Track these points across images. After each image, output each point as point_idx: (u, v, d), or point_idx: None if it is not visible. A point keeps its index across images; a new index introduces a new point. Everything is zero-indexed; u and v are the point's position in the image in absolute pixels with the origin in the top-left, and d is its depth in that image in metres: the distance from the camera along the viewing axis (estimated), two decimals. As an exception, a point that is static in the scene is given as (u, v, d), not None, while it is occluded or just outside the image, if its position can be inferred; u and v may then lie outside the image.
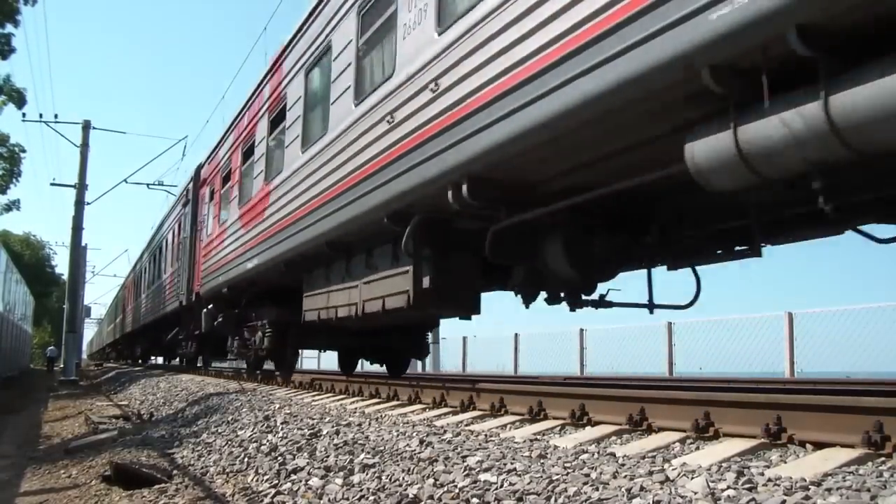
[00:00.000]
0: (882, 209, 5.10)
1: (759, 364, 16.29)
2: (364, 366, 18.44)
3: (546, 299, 7.20)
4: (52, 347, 55.53)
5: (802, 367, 15.22)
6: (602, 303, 7.10)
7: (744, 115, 3.82)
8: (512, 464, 3.74)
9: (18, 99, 28.26)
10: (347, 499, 3.98)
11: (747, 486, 2.85)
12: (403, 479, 3.99)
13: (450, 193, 5.87)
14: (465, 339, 27.10)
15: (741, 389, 6.93)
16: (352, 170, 7.72)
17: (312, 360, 35.85)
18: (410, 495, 3.68)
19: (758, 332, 16.49)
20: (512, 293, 7.51)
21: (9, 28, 24.69)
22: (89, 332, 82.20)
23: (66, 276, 35.58)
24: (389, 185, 6.82)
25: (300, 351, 13.73)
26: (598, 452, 3.88)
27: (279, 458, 5.27)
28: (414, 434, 5.06)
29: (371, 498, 3.87)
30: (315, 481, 4.42)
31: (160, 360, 36.76)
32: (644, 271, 7.00)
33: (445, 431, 5.11)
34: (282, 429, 6.38)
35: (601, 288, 7.12)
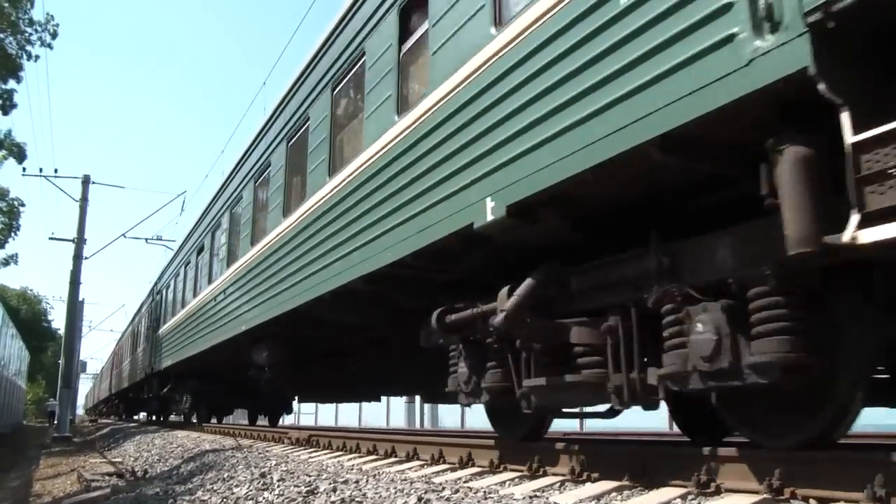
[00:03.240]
0: None
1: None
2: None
3: None
4: (52, 401, 55.09)
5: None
6: None
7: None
8: (512, 521, 3.68)
9: (19, 153, 28.52)
10: (344, 558, 3.91)
11: (751, 543, 2.81)
12: (401, 537, 3.92)
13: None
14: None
15: (744, 444, 6.85)
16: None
17: (310, 416, 35.55)
18: (408, 554, 3.61)
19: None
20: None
21: (11, 84, 25.06)
22: (85, 386, 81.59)
23: (62, 331, 35.45)
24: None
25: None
26: (599, 509, 3.82)
27: (275, 516, 5.18)
28: (412, 491, 4.99)
29: (368, 557, 3.79)
30: (311, 540, 4.34)
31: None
32: None
33: (444, 488, 5.04)
34: (278, 486, 6.29)
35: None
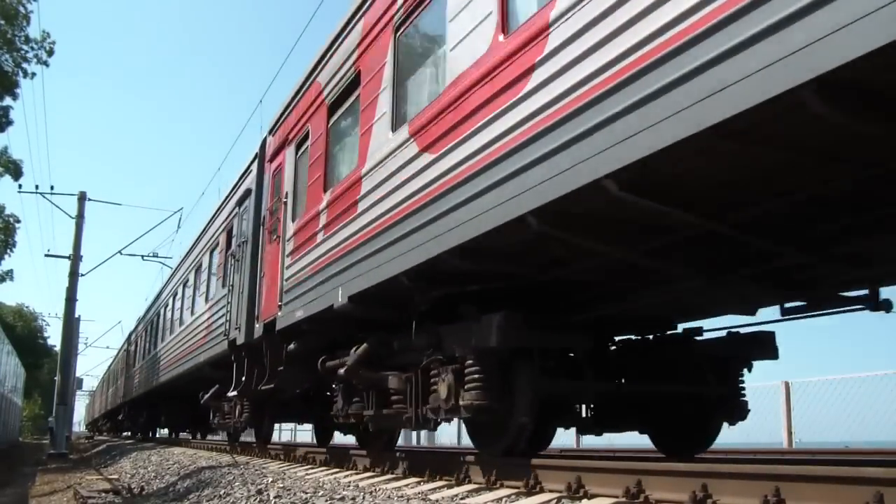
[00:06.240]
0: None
1: (757, 434, 16.13)
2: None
3: None
4: (53, 417, 54.85)
5: (801, 437, 15.09)
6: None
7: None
8: (508, 538, 3.69)
9: (15, 170, 28.70)
10: (341, 575, 3.92)
11: (744, 559, 2.82)
12: (398, 554, 3.93)
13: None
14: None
15: (739, 460, 6.88)
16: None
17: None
18: (405, 571, 3.63)
19: (755, 401, 16.37)
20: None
21: (7, 101, 25.20)
22: (81, 403, 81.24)
23: (58, 348, 35.35)
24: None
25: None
26: (595, 526, 3.83)
27: (272, 533, 5.18)
28: (409, 508, 4.99)
29: (365, 574, 3.80)
30: (308, 557, 4.35)
31: (164, 432, 32.18)
32: None
33: (440, 505, 5.05)
34: (275, 502, 6.29)
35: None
